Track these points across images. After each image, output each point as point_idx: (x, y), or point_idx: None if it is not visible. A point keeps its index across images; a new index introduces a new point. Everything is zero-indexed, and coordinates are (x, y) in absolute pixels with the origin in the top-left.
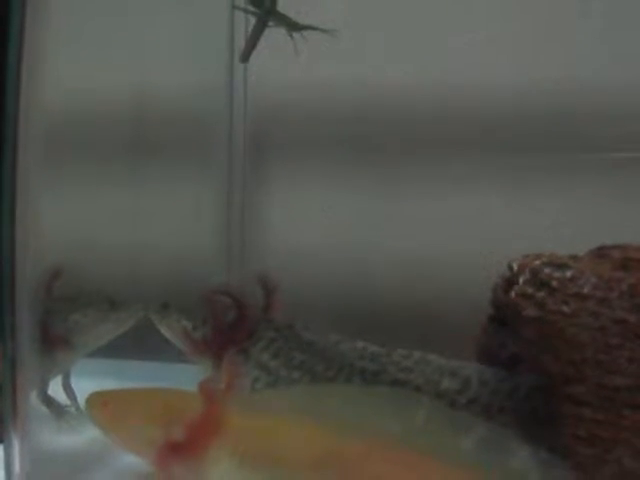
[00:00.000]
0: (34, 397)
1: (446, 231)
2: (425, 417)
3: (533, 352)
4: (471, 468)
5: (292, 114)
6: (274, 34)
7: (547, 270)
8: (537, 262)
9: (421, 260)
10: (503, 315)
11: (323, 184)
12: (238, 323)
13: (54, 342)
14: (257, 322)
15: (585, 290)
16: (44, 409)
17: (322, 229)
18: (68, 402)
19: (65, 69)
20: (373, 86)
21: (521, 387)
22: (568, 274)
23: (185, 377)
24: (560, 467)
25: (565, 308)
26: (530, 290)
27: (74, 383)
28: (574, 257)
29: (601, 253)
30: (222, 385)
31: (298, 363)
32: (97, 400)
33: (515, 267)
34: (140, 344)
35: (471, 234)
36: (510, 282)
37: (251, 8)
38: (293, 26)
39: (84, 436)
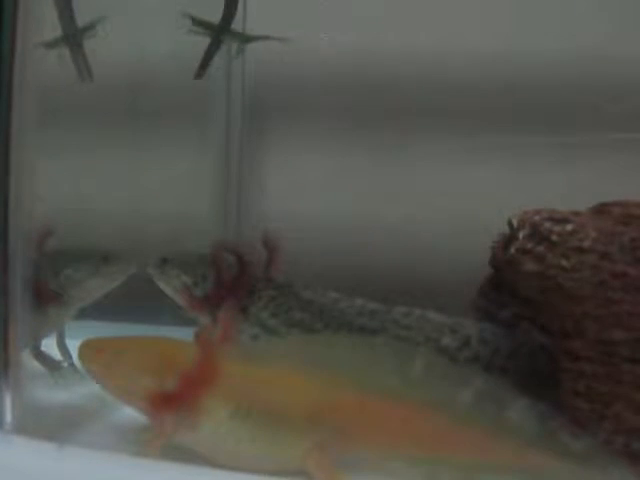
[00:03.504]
0: (27, 353)
1: (445, 200)
2: (422, 369)
3: (532, 309)
4: (468, 420)
5: (291, 79)
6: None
7: (547, 224)
8: (537, 217)
9: (420, 226)
10: (502, 274)
11: (321, 150)
12: (238, 280)
13: (46, 297)
14: (257, 280)
15: (585, 244)
16: (37, 365)
17: (320, 195)
18: (62, 359)
19: None
20: (374, 53)
21: (521, 346)
22: (568, 228)
23: None
24: (558, 418)
25: (565, 262)
26: (530, 245)
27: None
28: (575, 213)
29: (602, 209)
30: (218, 335)
31: (297, 321)
32: (91, 346)
33: (515, 223)
34: (136, 307)
35: (472, 204)
36: (510, 238)
37: (203, 29)
38: (246, 39)
39: (78, 391)
